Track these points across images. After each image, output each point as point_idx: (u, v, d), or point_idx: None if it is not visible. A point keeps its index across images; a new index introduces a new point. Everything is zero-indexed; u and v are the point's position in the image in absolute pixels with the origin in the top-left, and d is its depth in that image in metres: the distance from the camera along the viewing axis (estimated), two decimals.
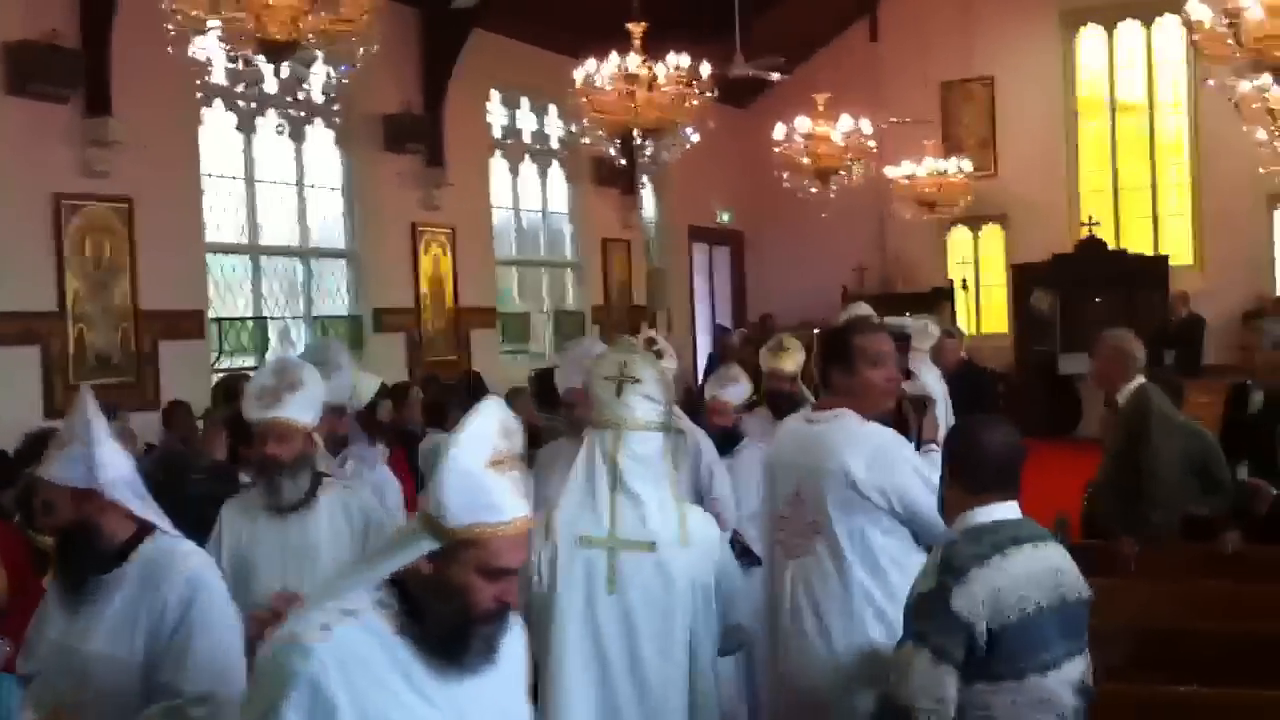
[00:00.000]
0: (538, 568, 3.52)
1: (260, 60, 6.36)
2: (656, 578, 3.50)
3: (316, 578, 3.88)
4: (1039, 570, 2.98)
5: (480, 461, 2.36)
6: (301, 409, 4.14)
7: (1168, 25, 17.38)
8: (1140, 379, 5.97)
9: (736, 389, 6.46)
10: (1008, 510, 3.09)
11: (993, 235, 18.47)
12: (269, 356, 10.96)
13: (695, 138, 9.80)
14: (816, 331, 7.83)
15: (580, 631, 3.49)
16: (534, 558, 3.50)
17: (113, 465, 3.31)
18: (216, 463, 6.15)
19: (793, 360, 6.75)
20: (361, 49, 6.34)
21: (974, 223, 18.17)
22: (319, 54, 6.36)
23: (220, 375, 10.03)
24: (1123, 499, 5.77)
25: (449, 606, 2.37)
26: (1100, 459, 6.89)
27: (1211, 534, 5.79)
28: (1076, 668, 3.00)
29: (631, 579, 3.50)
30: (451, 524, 2.34)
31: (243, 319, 10.79)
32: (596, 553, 3.51)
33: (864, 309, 8.29)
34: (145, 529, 3.34)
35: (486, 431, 2.40)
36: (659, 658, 3.50)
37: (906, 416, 4.46)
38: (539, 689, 3.50)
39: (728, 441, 6.25)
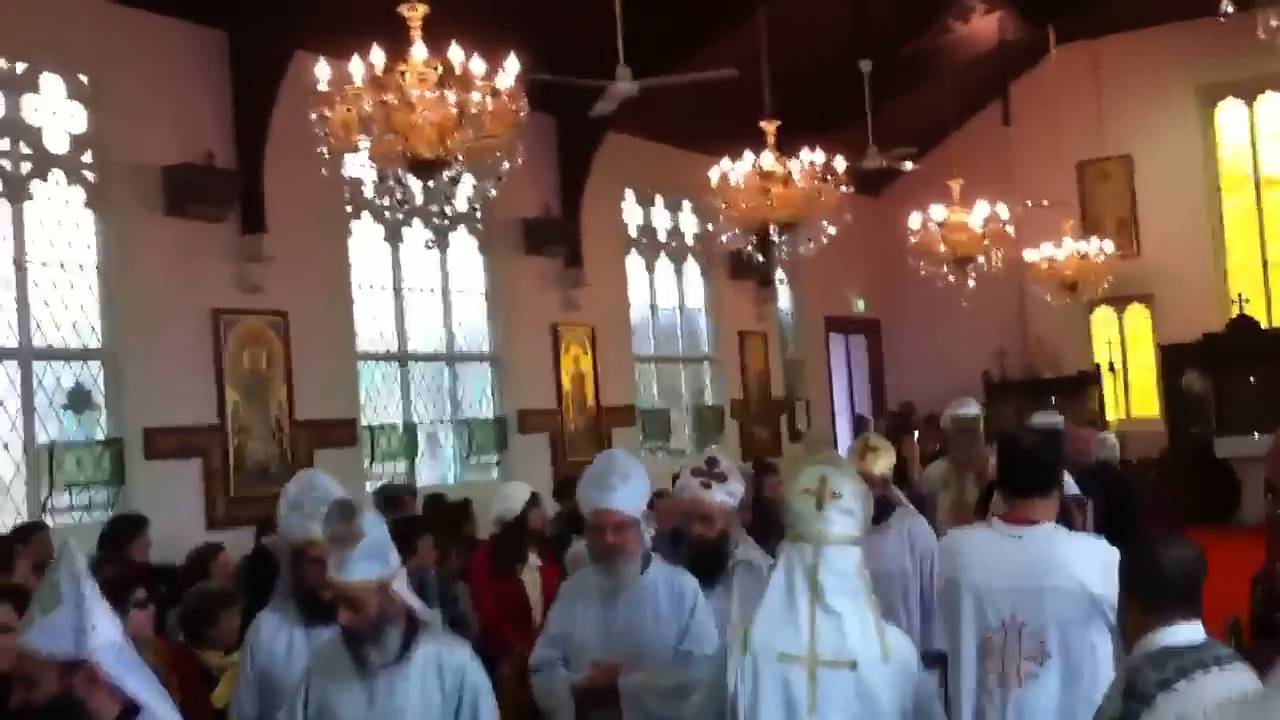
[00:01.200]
0: (737, 685, 3.46)
1: (409, 177, 6.54)
2: (858, 697, 3.43)
3: None
4: (1227, 696, 2.85)
5: None
6: (369, 565, 3.67)
7: None
8: None
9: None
10: (1191, 631, 2.96)
11: (1139, 316, 18.06)
12: (417, 461, 11.16)
13: (832, 231, 9.78)
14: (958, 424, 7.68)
15: None
16: (732, 675, 3.46)
17: (103, 631, 3.09)
18: None
19: (883, 462, 6.25)
20: (506, 163, 6.47)
21: (1118, 304, 17.80)
22: (464, 170, 6.49)
23: (374, 481, 10.26)
24: None
25: None
26: (1265, 549, 6.65)
27: None
28: None
29: (832, 698, 3.42)
30: None
31: (393, 425, 10.99)
32: (796, 670, 3.44)
33: (972, 406, 8.25)
34: (130, 710, 3.12)
35: None
36: None
37: (1071, 517, 4.36)
38: None
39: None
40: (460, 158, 6.47)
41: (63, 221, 8.78)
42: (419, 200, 6.91)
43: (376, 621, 3.66)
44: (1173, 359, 17.06)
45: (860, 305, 18.68)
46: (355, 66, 6.14)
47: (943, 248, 12.75)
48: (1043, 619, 3.88)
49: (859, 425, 17.71)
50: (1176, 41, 16.75)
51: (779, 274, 16.17)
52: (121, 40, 8.95)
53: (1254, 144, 17.77)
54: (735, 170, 9.69)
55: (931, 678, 3.89)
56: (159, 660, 4.79)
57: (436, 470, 11.63)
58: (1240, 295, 16.81)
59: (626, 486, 4.42)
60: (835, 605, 3.46)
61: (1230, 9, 5.12)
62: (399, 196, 6.65)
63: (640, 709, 4.35)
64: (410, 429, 11.16)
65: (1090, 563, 3.87)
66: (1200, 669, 2.85)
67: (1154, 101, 17.46)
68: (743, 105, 10.52)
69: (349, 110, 6.19)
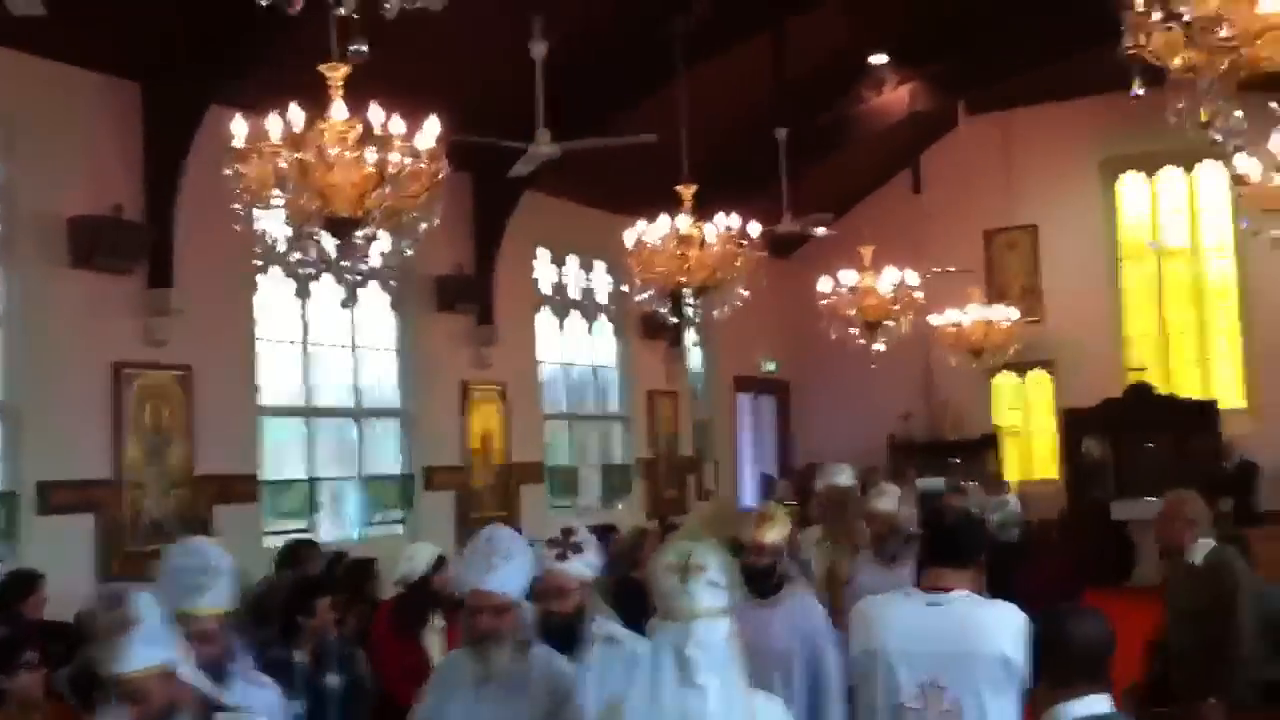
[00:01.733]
0: None
1: (324, 235, 6.46)
2: None
3: None
4: None
5: None
6: (149, 652, 3.39)
7: (1209, 171, 17.54)
8: (1210, 538, 5.88)
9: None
10: (1097, 703, 3.03)
11: (1040, 381, 18.41)
12: (317, 518, 10.97)
13: (746, 294, 9.85)
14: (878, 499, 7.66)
15: None
16: None
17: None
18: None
19: (777, 531, 5.91)
20: (423, 224, 6.42)
21: (1021, 369, 18.12)
22: (381, 230, 6.43)
23: (273, 538, 10.06)
24: (1207, 662, 5.61)
25: None
26: (1162, 615, 6.75)
27: None
28: None
29: None
30: None
31: (296, 481, 10.81)
32: None
33: (845, 475, 8.19)
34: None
35: None
36: None
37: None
38: None
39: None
40: (377, 216, 6.43)
41: None
42: (333, 257, 6.82)
43: (165, 712, 3.36)
44: (1073, 423, 17.37)
45: (770, 366, 18.81)
46: (273, 123, 6.07)
47: (853, 312, 12.90)
48: (963, 684, 3.93)
49: (764, 483, 17.79)
50: (1082, 116, 17.20)
51: (690, 334, 16.25)
52: (33, 90, 8.78)
53: (1154, 216, 18.26)
54: (651, 232, 9.73)
55: None
56: None
57: (339, 528, 11.44)
58: (1138, 363, 17.19)
59: (508, 567, 4.11)
60: (701, 680, 3.44)
61: (1141, 91, 5.24)
62: (314, 255, 6.58)
63: None
64: (312, 485, 10.97)
65: (1006, 629, 3.95)
66: None
67: (1059, 173, 17.89)
68: (660, 168, 10.57)
69: (265, 166, 6.12)
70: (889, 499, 7.31)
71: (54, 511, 8.65)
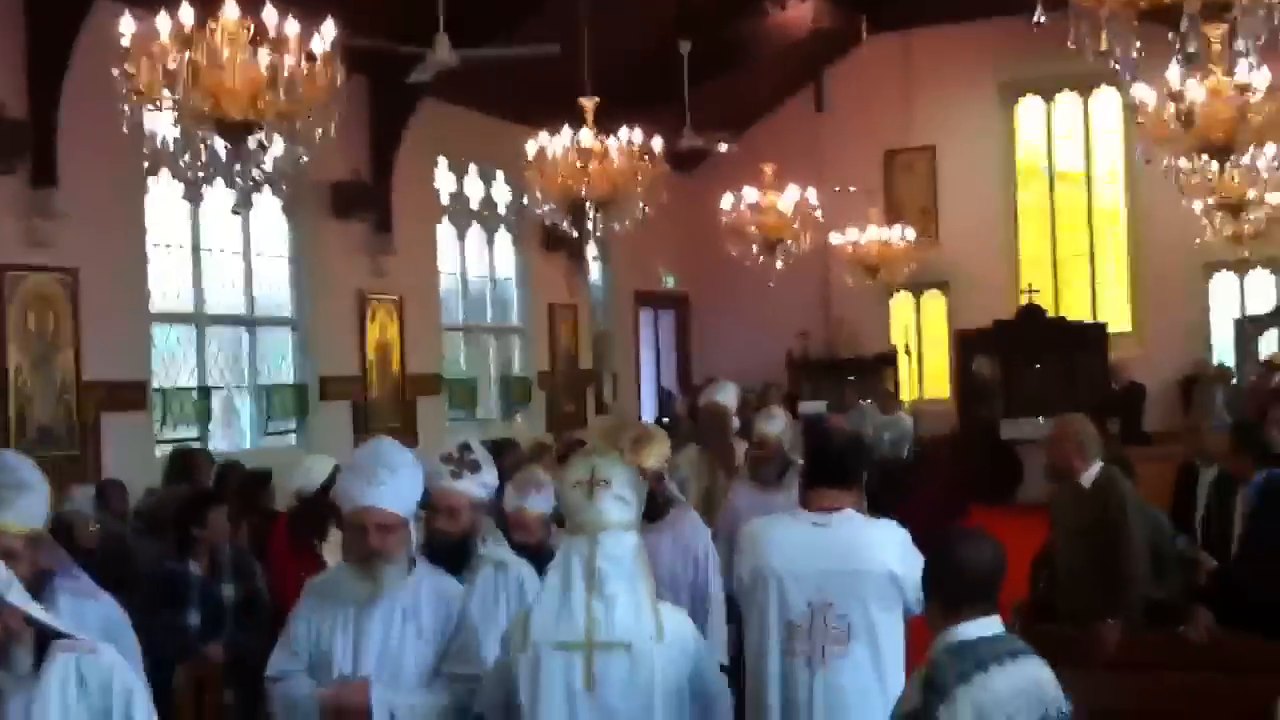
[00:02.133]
0: (517, 674, 3.58)
1: (215, 139, 6.30)
2: (634, 677, 3.56)
3: None
4: (1022, 686, 2.99)
5: None
6: None
7: (1104, 98, 17.80)
8: (1099, 461, 6.01)
9: (540, 498, 5.02)
10: (989, 625, 3.09)
11: (935, 302, 18.68)
12: (211, 427, 10.82)
13: (648, 210, 9.82)
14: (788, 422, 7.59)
15: None
16: (515, 665, 3.60)
17: None
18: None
19: (655, 454, 5.62)
20: (319, 130, 6.28)
21: (917, 289, 18.38)
22: (275, 134, 6.28)
23: (166, 446, 9.90)
24: (1098, 583, 5.76)
25: None
26: (1049, 535, 6.92)
27: (1173, 619, 5.80)
28: None
29: (609, 679, 3.55)
30: None
31: (187, 389, 10.62)
32: (574, 656, 3.56)
33: (727, 393, 8.03)
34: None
35: None
36: None
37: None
38: None
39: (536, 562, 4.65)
40: (270, 121, 6.28)
41: None
42: (225, 162, 6.66)
43: None
44: (965, 344, 17.67)
45: (670, 280, 18.84)
46: (163, 22, 5.87)
47: (753, 229, 12.96)
48: (850, 601, 4.03)
49: (663, 398, 17.92)
50: (983, 38, 17.25)
51: (591, 248, 16.18)
52: None
53: (1050, 141, 18.51)
54: (553, 145, 9.65)
55: (715, 662, 3.93)
56: None
57: (232, 438, 11.29)
58: (1030, 285, 17.50)
59: (395, 481, 3.89)
60: (610, 590, 3.59)
61: (1043, 19, 5.25)
62: (204, 159, 6.41)
63: None
64: (205, 393, 10.79)
65: (891, 546, 4.12)
66: (995, 662, 2.98)
67: (959, 95, 17.98)
68: (562, 80, 10.45)
69: (154, 67, 5.92)
70: (776, 422, 7.12)
71: None
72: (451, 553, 4.30)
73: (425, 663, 3.89)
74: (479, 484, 4.39)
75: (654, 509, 5.24)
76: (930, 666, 3.01)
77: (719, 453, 7.74)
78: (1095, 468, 5.95)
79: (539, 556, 4.56)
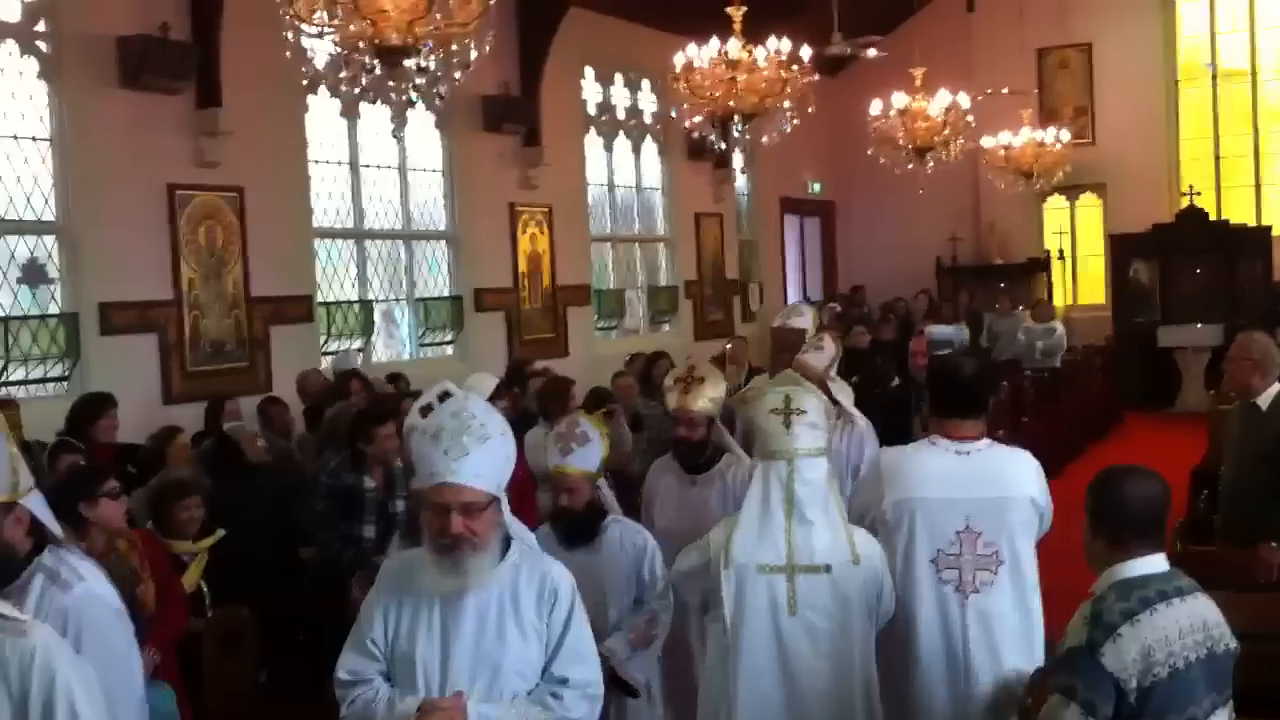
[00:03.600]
0: (723, 596, 3.79)
1: (375, 63, 6.45)
2: (833, 597, 3.80)
3: None
4: (1188, 625, 2.98)
5: None
6: None
7: None
8: (1276, 380, 5.84)
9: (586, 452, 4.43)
10: (1155, 563, 3.08)
11: (1090, 205, 18.22)
12: (372, 339, 11.16)
13: (795, 122, 9.74)
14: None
15: (768, 654, 3.79)
16: (719, 579, 3.80)
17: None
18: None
19: (708, 396, 5.02)
20: (474, 52, 6.39)
21: (1071, 193, 17.93)
22: (431, 58, 6.39)
23: (330, 359, 10.24)
24: (1267, 505, 5.62)
25: None
26: (1208, 449, 6.80)
27: None
28: (1221, 718, 3.01)
29: (811, 600, 3.79)
30: None
31: (349, 302, 10.96)
32: (778, 578, 3.79)
33: (804, 318, 7.14)
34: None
35: None
36: (839, 673, 3.80)
37: None
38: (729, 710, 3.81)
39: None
40: (427, 44, 6.39)
41: (16, 93, 8.59)
42: (380, 80, 6.80)
43: None
44: (1122, 248, 17.22)
45: (816, 187, 18.68)
46: None
47: (902, 136, 12.75)
48: (998, 528, 4.07)
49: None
50: None
51: (736, 156, 16.11)
52: None
53: (1213, 36, 17.76)
54: (700, 56, 9.60)
55: (890, 581, 4.03)
56: (130, 550, 4.86)
57: (392, 348, 11.65)
58: (1191, 187, 16.92)
59: (483, 452, 3.15)
60: (809, 515, 3.81)
61: None
62: (364, 84, 6.57)
63: None
64: (366, 306, 11.13)
65: (1030, 474, 4.18)
66: (1162, 600, 2.98)
67: None
68: None
69: None
70: (822, 355, 6.27)
71: (114, 332, 8.83)
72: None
73: (528, 664, 3.21)
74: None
75: (703, 461, 5.03)
76: (1097, 603, 3.00)
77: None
78: (1274, 388, 5.78)
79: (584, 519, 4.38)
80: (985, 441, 4.21)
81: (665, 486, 5.22)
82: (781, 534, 3.80)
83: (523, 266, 12.69)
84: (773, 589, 3.79)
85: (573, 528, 4.39)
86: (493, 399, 6.85)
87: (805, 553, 3.79)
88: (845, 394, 6.22)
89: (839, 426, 5.80)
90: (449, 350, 12.03)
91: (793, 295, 18.36)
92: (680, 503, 5.12)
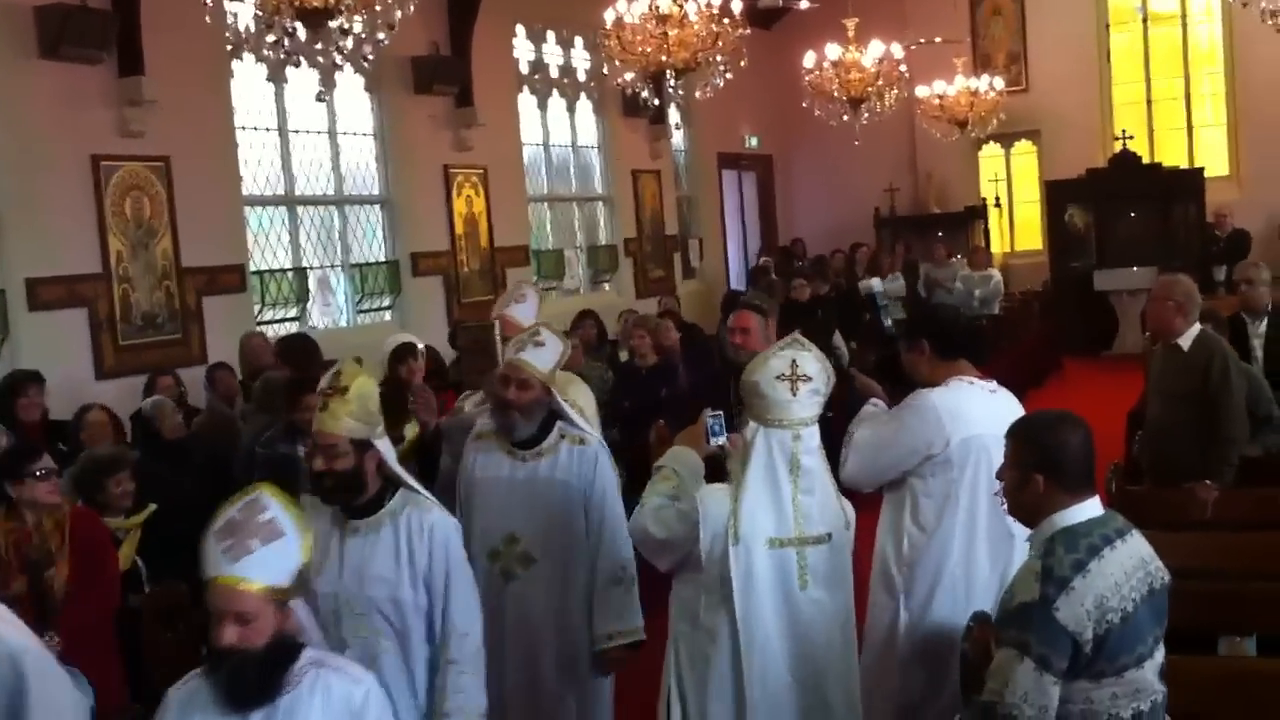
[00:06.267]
0: (729, 563, 3.60)
1: (297, 25, 6.34)
2: (833, 566, 3.71)
3: None
4: (1130, 566, 2.99)
5: None
6: None
7: None
8: (1198, 324, 5.93)
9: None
10: (1092, 507, 3.08)
11: (1025, 152, 18.33)
12: (308, 307, 11.03)
13: (729, 76, 9.69)
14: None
15: (780, 630, 3.63)
16: (726, 554, 3.60)
17: None
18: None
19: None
20: (398, 11, 6.29)
21: (1006, 140, 18.03)
22: (356, 18, 6.30)
23: (264, 328, 10.11)
24: (1197, 444, 5.71)
25: None
26: (1142, 393, 6.84)
27: (1269, 478, 5.76)
28: (1160, 652, 3.04)
29: (818, 571, 3.67)
30: None
31: (283, 270, 10.82)
32: (788, 553, 3.66)
33: (530, 291, 6.09)
34: None
35: None
36: (843, 634, 3.74)
37: None
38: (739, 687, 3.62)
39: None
40: (350, 5, 6.30)
41: None
42: (305, 43, 6.70)
43: None
44: (1057, 193, 17.35)
45: (753, 141, 18.65)
46: None
47: (837, 88, 12.74)
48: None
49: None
50: None
51: (672, 112, 16.04)
52: None
53: None
54: (630, 12, 9.51)
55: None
56: (55, 530, 4.79)
57: (329, 315, 11.52)
58: (1124, 131, 17.05)
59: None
60: (812, 485, 3.69)
61: None
62: (286, 47, 6.46)
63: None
64: (300, 274, 11.00)
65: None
66: (1107, 545, 2.98)
67: None
68: None
69: None
70: (543, 352, 5.26)
71: (42, 308, 8.67)
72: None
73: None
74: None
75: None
76: (1046, 556, 2.98)
77: None
78: (1195, 329, 5.87)
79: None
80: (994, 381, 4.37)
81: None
82: (789, 505, 3.66)
83: (459, 229, 12.58)
84: (783, 563, 3.64)
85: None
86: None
87: (810, 523, 3.67)
88: (588, 399, 5.30)
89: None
90: (388, 316, 11.91)
91: (733, 250, 18.37)
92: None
